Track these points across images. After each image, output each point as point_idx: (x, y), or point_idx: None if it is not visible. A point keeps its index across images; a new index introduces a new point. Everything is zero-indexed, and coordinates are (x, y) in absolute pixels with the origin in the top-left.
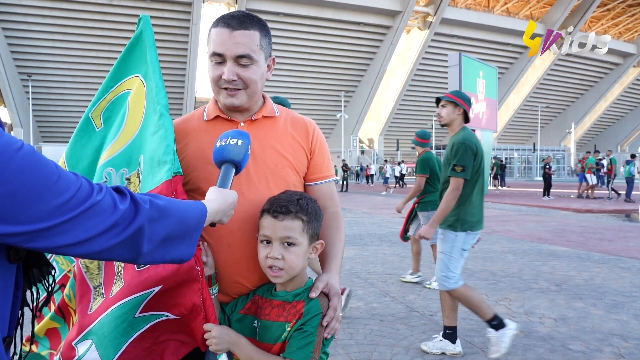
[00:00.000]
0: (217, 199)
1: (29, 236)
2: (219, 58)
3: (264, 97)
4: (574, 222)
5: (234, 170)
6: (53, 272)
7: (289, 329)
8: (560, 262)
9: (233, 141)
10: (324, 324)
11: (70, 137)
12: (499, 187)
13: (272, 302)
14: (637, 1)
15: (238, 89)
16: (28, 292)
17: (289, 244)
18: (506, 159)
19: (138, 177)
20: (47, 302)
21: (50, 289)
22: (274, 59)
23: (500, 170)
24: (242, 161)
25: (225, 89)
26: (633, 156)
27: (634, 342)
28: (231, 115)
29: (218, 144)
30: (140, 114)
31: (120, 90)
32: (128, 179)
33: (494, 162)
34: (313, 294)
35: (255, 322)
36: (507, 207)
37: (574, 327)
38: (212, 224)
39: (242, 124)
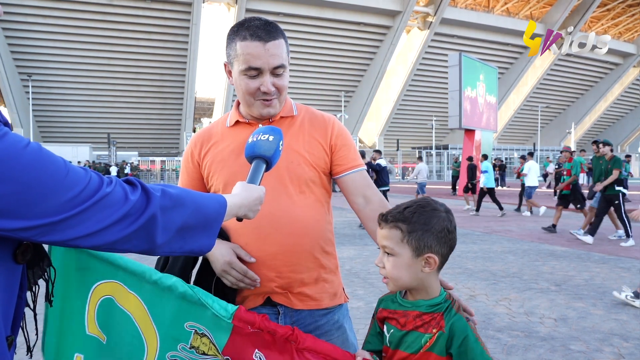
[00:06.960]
0: (240, 194)
1: (41, 230)
2: (254, 72)
3: None
4: (573, 222)
5: (264, 166)
6: (52, 269)
7: (429, 340)
8: (560, 262)
9: (264, 137)
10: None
11: (70, 137)
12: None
13: (406, 312)
14: (637, 1)
15: (273, 98)
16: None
17: (389, 253)
18: (506, 159)
19: (205, 335)
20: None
21: (50, 285)
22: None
23: (502, 170)
24: (273, 157)
25: (262, 100)
26: None
27: (634, 342)
28: (250, 119)
29: (250, 140)
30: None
31: (97, 298)
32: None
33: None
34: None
35: (392, 330)
36: (507, 207)
37: (574, 327)
38: (239, 219)
39: (260, 126)
